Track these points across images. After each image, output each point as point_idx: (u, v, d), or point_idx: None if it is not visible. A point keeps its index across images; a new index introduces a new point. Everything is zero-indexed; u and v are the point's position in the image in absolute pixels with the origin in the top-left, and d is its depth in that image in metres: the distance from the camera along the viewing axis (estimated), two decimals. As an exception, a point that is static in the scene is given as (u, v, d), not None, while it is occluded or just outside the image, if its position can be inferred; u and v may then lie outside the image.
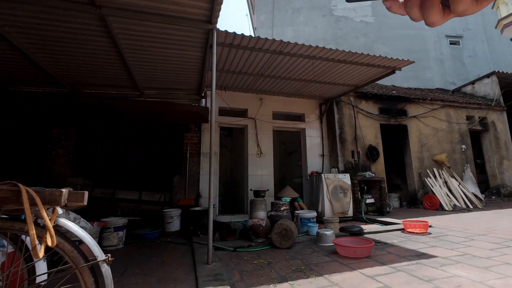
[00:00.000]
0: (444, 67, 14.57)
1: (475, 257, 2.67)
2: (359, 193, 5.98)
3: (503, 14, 8.82)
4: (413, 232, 3.92)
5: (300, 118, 7.14)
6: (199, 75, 4.61)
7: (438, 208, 6.47)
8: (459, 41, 15.03)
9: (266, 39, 3.69)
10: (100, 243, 3.52)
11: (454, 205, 6.38)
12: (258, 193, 3.88)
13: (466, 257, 2.68)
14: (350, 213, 5.60)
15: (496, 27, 9.20)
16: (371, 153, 6.71)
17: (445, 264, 2.50)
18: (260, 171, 6.32)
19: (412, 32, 14.51)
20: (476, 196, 6.91)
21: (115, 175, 6.51)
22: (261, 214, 3.59)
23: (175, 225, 4.84)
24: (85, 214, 3.82)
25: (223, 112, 6.40)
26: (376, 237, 3.78)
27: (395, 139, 7.74)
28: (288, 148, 9.06)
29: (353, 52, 4.09)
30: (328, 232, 3.41)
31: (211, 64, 3.19)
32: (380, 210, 6.03)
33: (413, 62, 4.45)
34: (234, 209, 6.89)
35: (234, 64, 4.68)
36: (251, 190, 3.67)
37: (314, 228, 3.81)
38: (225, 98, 6.19)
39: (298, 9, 15.43)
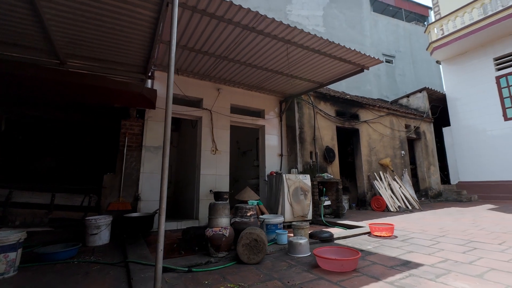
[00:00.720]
0: (380, 82, 16.22)
1: (458, 263, 2.50)
2: (318, 195, 5.77)
3: (433, 38, 10.07)
4: (380, 236, 3.75)
5: (259, 114, 6.64)
6: (147, 45, 3.64)
7: (384, 210, 6.76)
8: (392, 60, 16.98)
9: (240, 6, 3.03)
10: (-30, 273, 2.27)
11: (399, 206, 6.76)
12: (219, 196, 3.13)
13: (450, 264, 2.49)
14: (310, 216, 5.31)
15: (427, 49, 10.48)
16: (328, 154, 6.64)
17: (439, 274, 2.23)
18: (214, 170, 5.54)
19: (356, 47, 15.72)
20: (413, 198, 7.52)
21: (15, 171, 4.86)
22: (224, 221, 2.87)
23: (102, 237, 3.69)
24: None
25: (173, 100, 5.40)
26: (348, 242, 3.46)
27: (347, 142, 7.93)
28: (242, 147, 8.48)
29: (330, 42, 3.75)
30: (302, 241, 2.91)
31: (170, 27, 2.35)
32: (336, 213, 5.92)
33: (382, 62, 4.40)
34: (181, 214, 5.92)
35: (194, 39, 3.86)
36: (211, 191, 2.92)
37: (284, 236, 3.27)
38: (178, 85, 5.24)
39: (254, 8, 15.14)
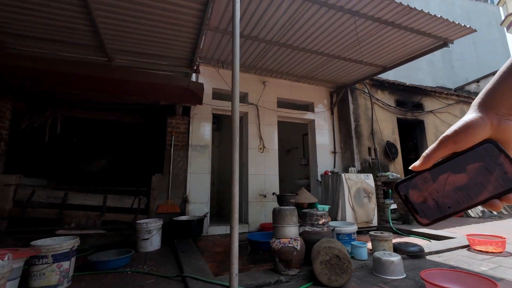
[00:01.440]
0: (435, 69, 14.40)
1: None
2: (383, 198, 4.99)
3: (510, 9, 8.47)
4: (487, 252, 2.92)
5: (307, 108, 6.04)
6: (194, 34, 3.30)
7: (462, 215, 5.67)
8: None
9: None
10: (25, 285, 2.08)
11: (482, 211, 5.62)
12: (284, 199, 2.60)
13: None
14: (375, 221, 4.57)
15: (501, 24, 8.87)
16: (390, 150, 5.78)
17: None
18: (263, 170, 5.09)
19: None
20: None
21: (69, 173, 4.93)
22: (293, 231, 2.36)
23: (154, 242, 3.44)
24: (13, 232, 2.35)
25: (217, 95, 5.10)
26: (445, 259, 2.73)
27: (408, 135, 6.92)
28: (286, 145, 7.93)
29: (411, 8, 3.02)
30: (395, 259, 2.27)
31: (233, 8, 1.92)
32: (404, 218, 5.07)
33: (475, 30, 3.52)
34: (226, 217, 5.58)
35: (244, 22, 3.43)
36: (274, 194, 2.45)
37: (363, 250, 2.66)
38: (223, 79, 4.89)
39: None
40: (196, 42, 3.49)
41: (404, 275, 2.26)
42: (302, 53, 4.25)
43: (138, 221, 3.51)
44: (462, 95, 7.32)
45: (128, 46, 3.55)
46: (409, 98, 6.51)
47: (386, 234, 2.78)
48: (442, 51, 14.74)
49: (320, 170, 5.56)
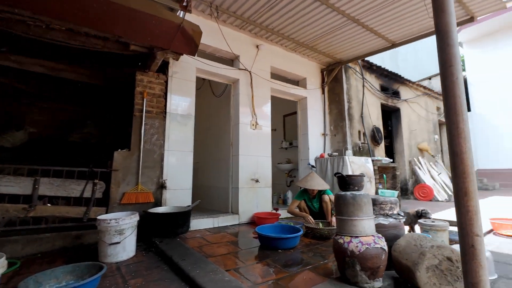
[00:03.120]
0: (384, 66, 15.56)
1: None
2: (379, 183, 4.77)
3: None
4: (510, 236, 2.80)
5: (298, 84, 5.39)
6: None
7: (432, 199, 5.98)
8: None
9: None
10: None
11: (450, 195, 6.02)
12: (349, 183, 1.82)
13: None
14: (373, 208, 4.29)
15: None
16: (378, 135, 5.63)
17: None
18: (255, 151, 4.26)
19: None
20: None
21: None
22: (369, 226, 1.68)
23: (128, 247, 2.31)
24: None
25: (203, 54, 3.98)
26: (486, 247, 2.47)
27: (384, 123, 7.00)
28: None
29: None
30: (488, 254, 1.82)
31: None
32: (392, 203, 4.97)
33: (505, 7, 3.35)
34: (209, 206, 4.59)
35: None
36: (337, 175, 1.71)
37: (426, 243, 2.16)
38: (208, 33, 3.78)
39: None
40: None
41: (496, 275, 1.83)
42: (321, 8, 3.50)
43: (101, 217, 2.31)
44: (427, 88, 7.78)
45: None
46: (390, 85, 6.51)
47: (440, 222, 2.35)
48: (391, 51, 16.01)
49: (311, 153, 5.03)
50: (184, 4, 2.98)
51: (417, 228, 2.64)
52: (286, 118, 6.52)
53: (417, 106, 7.28)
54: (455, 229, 2.75)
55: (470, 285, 0.97)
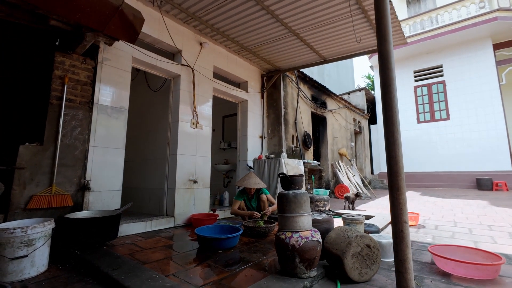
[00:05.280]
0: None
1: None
2: (308, 183, 5.26)
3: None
4: (410, 225, 3.53)
5: (239, 86, 5.50)
6: None
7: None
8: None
9: None
10: None
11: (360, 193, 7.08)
12: (292, 182, 1.95)
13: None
14: (303, 206, 4.73)
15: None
16: (308, 140, 6.22)
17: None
18: (194, 150, 4.13)
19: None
20: (361, 185, 8.13)
21: None
22: (309, 222, 1.86)
23: (37, 261, 1.92)
24: None
25: (139, 44, 3.65)
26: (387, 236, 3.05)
27: (314, 129, 7.78)
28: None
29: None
30: (385, 241, 2.25)
31: None
32: (318, 201, 5.57)
33: (406, 43, 4.19)
34: (140, 209, 4.19)
35: None
36: (281, 175, 1.78)
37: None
38: (149, 22, 3.50)
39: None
40: None
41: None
42: (267, 17, 3.67)
43: (1, 226, 1.85)
44: (347, 101, 9.04)
45: None
46: (319, 95, 7.30)
47: (358, 216, 2.78)
48: (319, 67, 17.92)
49: (249, 154, 5.20)
50: (123, -16, 2.69)
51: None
52: (226, 119, 6.55)
53: (339, 117, 8.38)
54: (368, 221, 3.30)
55: (400, 262, 1.20)
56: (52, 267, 2.08)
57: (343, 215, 2.85)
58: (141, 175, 4.48)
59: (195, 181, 4.02)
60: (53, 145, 2.67)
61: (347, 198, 4.84)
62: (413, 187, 10.43)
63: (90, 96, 3.01)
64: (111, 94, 3.20)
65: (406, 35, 10.15)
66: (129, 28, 2.54)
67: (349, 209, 4.74)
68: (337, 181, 7.39)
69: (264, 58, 5.12)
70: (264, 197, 3.61)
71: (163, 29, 3.72)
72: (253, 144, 5.37)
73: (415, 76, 10.95)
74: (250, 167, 5.01)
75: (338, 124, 8.22)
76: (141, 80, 4.84)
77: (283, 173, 1.99)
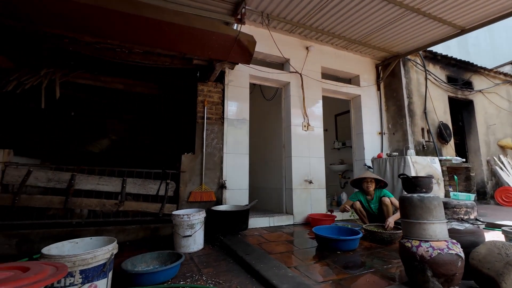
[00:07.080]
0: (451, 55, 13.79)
1: None
2: (449, 185, 4.30)
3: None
4: None
5: (350, 82, 5.21)
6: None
7: None
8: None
9: None
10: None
11: None
12: (416, 185, 1.76)
13: None
14: (443, 213, 3.88)
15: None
16: (445, 132, 5.07)
17: None
18: (308, 152, 4.28)
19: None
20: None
21: (75, 150, 3.98)
22: (441, 230, 1.58)
23: (197, 240, 2.61)
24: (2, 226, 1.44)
25: (254, 60, 4.17)
26: None
27: (454, 117, 6.24)
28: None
29: None
30: None
31: None
32: (466, 208, 4.41)
33: None
34: (263, 205, 4.77)
35: None
36: (401, 176, 1.67)
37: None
38: (260, 41, 3.94)
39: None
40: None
41: None
42: (375, 2, 3.36)
43: (175, 212, 2.66)
44: (509, 75, 6.67)
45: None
46: (460, 75, 5.79)
47: (529, 231, 2.05)
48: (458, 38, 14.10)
49: (367, 153, 4.81)
50: (239, 17, 3.22)
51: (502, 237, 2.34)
52: (338, 117, 6.34)
53: (496, 97, 6.29)
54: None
55: None
56: (205, 246, 2.75)
57: (503, 228, 2.18)
58: (262, 176, 5.06)
59: (310, 182, 4.15)
60: (200, 154, 3.52)
61: None
62: None
63: (221, 113, 3.75)
64: (236, 108, 3.85)
65: None
66: (245, 52, 3.01)
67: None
68: (498, 183, 5.55)
69: (377, 46, 4.63)
70: (387, 200, 3.27)
71: (272, 44, 4.10)
72: (371, 141, 4.93)
73: None
74: (369, 167, 4.63)
75: (494, 107, 6.18)
76: (257, 93, 5.49)
77: (404, 174, 1.79)
